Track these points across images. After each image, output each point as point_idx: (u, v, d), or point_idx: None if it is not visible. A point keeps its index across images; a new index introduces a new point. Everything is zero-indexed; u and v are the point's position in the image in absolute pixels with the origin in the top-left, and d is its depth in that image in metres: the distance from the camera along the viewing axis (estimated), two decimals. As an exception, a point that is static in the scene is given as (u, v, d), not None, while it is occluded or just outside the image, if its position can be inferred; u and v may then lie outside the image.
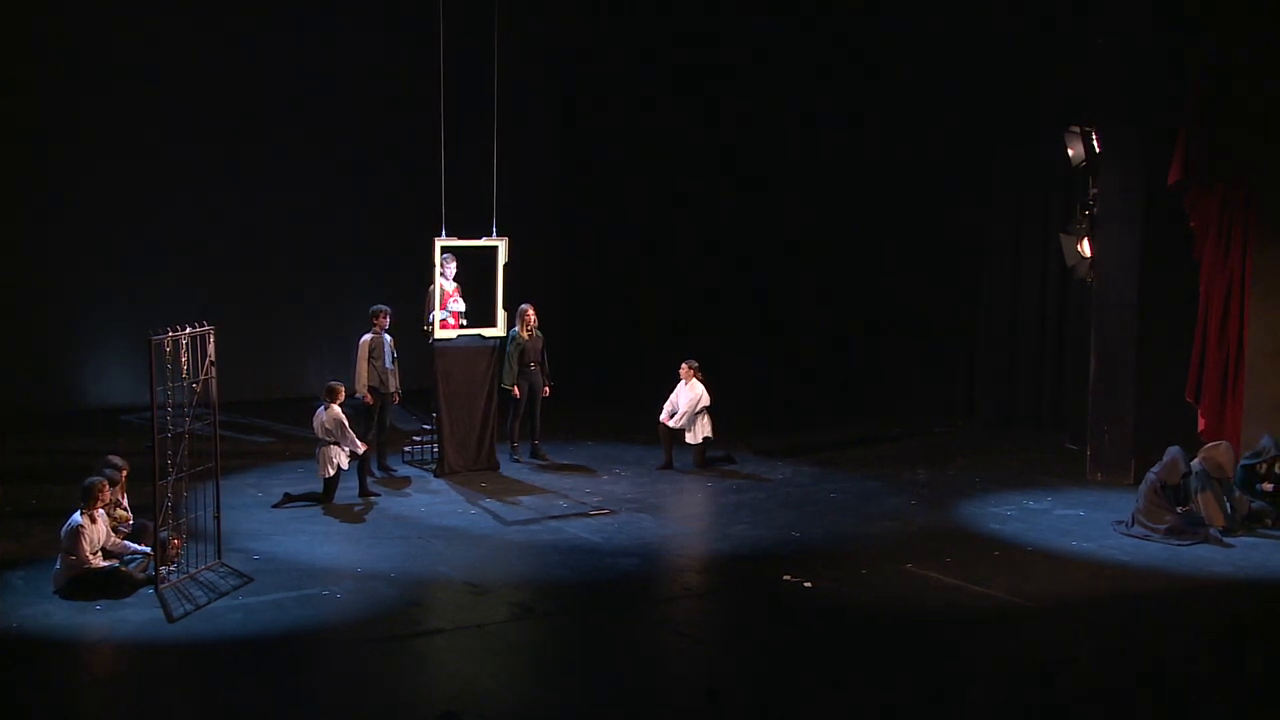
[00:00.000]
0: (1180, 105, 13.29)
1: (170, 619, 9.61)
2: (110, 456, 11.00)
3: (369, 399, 13.68)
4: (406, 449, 14.61)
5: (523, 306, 14.61)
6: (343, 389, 12.81)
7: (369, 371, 13.67)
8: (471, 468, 14.14)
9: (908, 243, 17.93)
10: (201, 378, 10.47)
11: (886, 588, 10.58)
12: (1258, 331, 13.19)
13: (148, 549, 10.32)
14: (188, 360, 10.23)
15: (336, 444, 12.61)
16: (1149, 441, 13.27)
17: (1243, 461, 12.53)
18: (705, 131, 19.60)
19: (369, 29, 18.51)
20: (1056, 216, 15.88)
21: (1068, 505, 13.08)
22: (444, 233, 14.02)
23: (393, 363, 13.85)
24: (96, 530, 10.12)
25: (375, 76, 18.45)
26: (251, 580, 10.47)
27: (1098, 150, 14.06)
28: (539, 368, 14.73)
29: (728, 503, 13.23)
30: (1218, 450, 12.28)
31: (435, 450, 14.27)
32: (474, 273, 14.57)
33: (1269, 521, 12.21)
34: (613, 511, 12.74)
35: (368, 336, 13.77)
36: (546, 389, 14.81)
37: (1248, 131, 12.97)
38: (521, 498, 13.26)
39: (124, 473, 10.93)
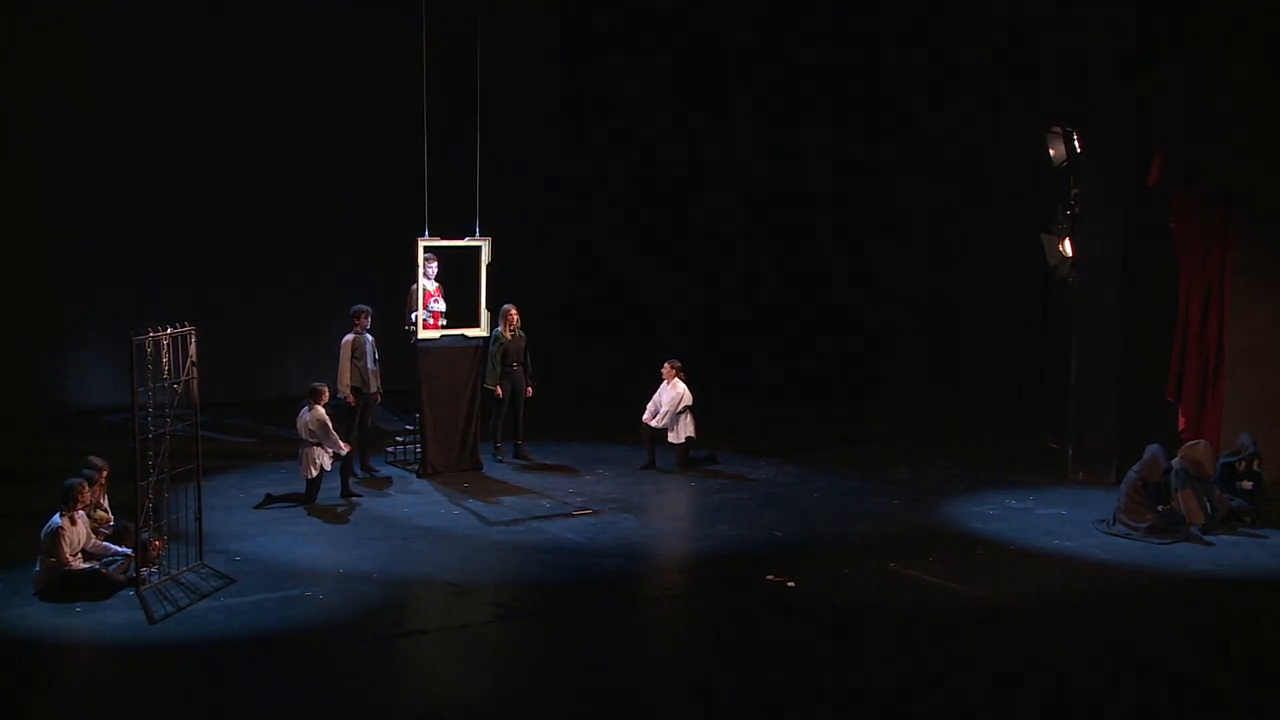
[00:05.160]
0: (1160, 108, 13.36)
1: (151, 620, 9.57)
2: (90, 457, 10.95)
3: (351, 399, 13.65)
4: (389, 449, 14.57)
5: (505, 306, 14.59)
6: (327, 390, 12.77)
7: (351, 372, 13.64)
8: (454, 468, 14.12)
9: (889, 242, 17.98)
10: (183, 378, 10.43)
11: (869, 587, 10.61)
12: (1237, 331, 13.26)
13: (128, 550, 10.28)
14: (169, 361, 10.20)
15: (319, 445, 12.58)
16: (1130, 440, 13.31)
17: (1222, 460, 12.59)
18: (690, 131, 19.62)
19: (352, 29, 18.45)
20: (1039, 216, 15.94)
21: (1049, 504, 13.12)
22: (426, 232, 14.00)
23: (375, 363, 13.83)
24: (77, 532, 10.07)
25: (359, 76, 18.36)
26: (233, 581, 10.43)
27: (1079, 151, 14.12)
28: (522, 368, 14.71)
29: (710, 502, 13.24)
30: (1197, 449, 12.34)
31: (418, 450, 14.24)
32: (457, 273, 14.53)
33: (1248, 520, 12.27)
34: (596, 512, 12.73)
35: (350, 337, 13.74)
36: (529, 389, 14.80)
37: (1225, 136, 13.04)
38: (504, 498, 13.24)
39: (104, 474, 10.87)
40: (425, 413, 14.01)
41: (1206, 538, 11.86)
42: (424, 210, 13.90)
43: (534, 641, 9.67)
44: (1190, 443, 12.58)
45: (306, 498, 12.73)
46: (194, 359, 10.51)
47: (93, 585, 9.96)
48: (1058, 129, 14.32)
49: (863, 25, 17.94)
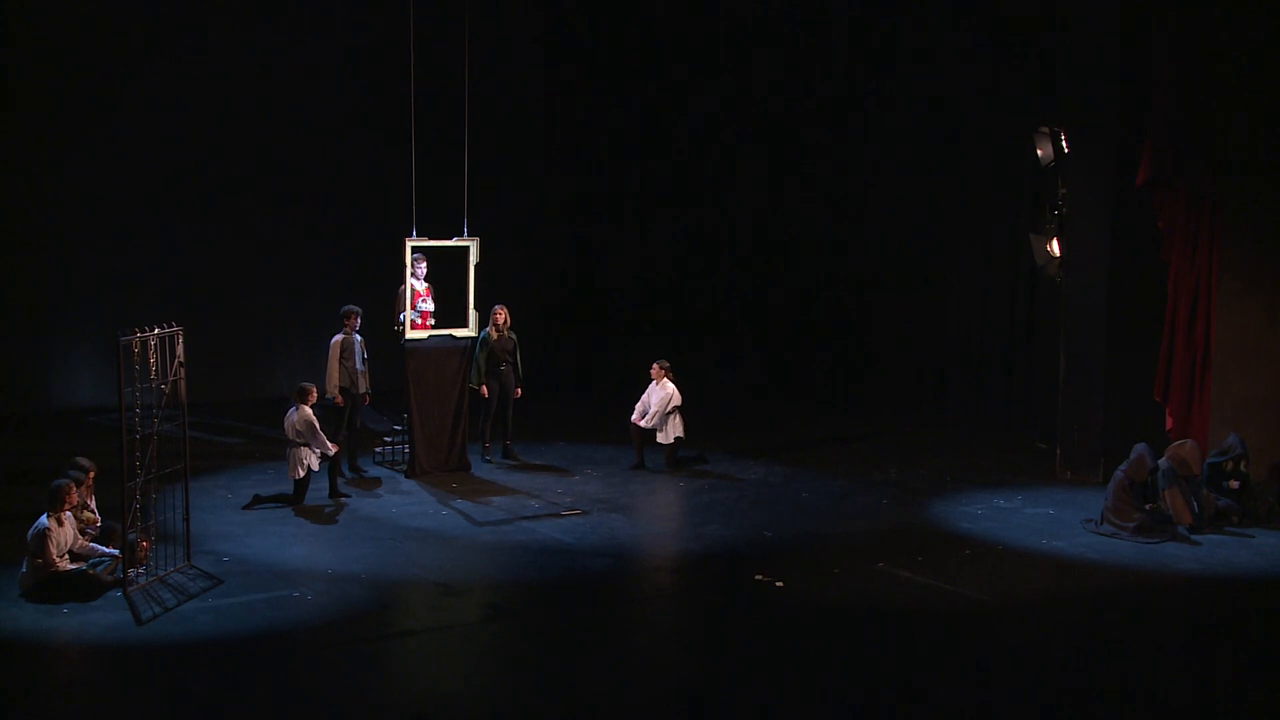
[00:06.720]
0: (1147, 107, 13.39)
1: (139, 621, 9.55)
2: (77, 458, 10.92)
3: (339, 400, 13.64)
4: (377, 450, 14.56)
5: (495, 307, 14.59)
6: (314, 390, 12.75)
7: (340, 372, 13.63)
8: (443, 468, 14.11)
9: (878, 242, 18.00)
10: (170, 379, 10.41)
11: (858, 587, 10.62)
12: (1225, 331, 13.30)
13: (116, 551, 10.25)
14: (156, 361, 10.17)
15: (307, 445, 12.56)
16: (1118, 440, 13.36)
17: (1209, 460, 12.63)
18: (680, 131, 19.63)
19: (339, 29, 18.44)
20: (1026, 216, 15.97)
21: (1037, 504, 13.15)
22: (414, 233, 13.98)
23: (363, 363, 13.82)
24: (64, 533, 10.04)
25: (346, 76, 18.38)
26: (221, 582, 10.41)
27: (1066, 150, 14.14)
28: (510, 368, 14.70)
29: (699, 502, 13.25)
30: (1184, 448, 12.38)
31: (406, 451, 14.23)
32: (446, 273, 14.52)
33: (1235, 519, 12.31)
34: (584, 512, 12.73)
35: (339, 337, 13.73)
36: (518, 390, 14.78)
37: (1214, 135, 13.08)
38: (493, 498, 13.24)
39: (91, 474, 10.85)
40: (413, 413, 13.99)
41: (1193, 537, 11.90)
42: (412, 210, 13.88)
43: (522, 642, 9.66)
44: (1177, 442, 12.62)
45: (294, 498, 12.71)
46: (182, 359, 10.48)
47: (80, 586, 9.93)
48: (1045, 129, 14.34)
49: (858, 24, 17.93)
